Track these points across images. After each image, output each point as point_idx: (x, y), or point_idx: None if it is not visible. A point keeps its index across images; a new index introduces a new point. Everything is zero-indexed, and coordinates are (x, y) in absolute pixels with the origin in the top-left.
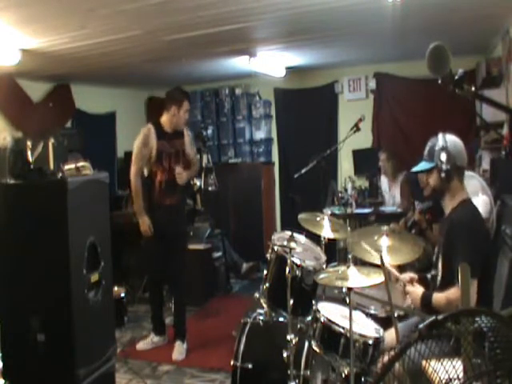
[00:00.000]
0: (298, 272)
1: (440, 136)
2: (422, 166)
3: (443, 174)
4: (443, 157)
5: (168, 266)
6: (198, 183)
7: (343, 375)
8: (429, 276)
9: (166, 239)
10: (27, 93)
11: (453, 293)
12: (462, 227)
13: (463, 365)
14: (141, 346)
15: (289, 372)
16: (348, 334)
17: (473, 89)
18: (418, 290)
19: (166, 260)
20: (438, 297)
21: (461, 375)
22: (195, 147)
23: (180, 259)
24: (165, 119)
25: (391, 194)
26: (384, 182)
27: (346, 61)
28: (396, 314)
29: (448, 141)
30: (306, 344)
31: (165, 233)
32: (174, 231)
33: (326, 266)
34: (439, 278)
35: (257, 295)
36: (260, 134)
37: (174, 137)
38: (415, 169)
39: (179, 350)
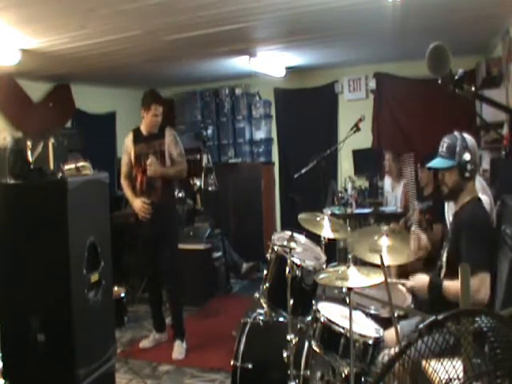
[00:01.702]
0: (298, 272)
1: (457, 134)
2: (441, 162)
3: (467, 174)
4: (467, 156)
5: (159, 266)
6: (198, 183)
7: (343, 375)
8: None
9: (153, 239)
10: (27, 93)
11: (473, 280)
12: (471, 224)
13: (463, 365)
14: (144, 344)
15: (289, 372)
16: (348, 334)
17: (473, 89)
18: (423, 277)
19: (156, 260)
20: (451, 285)
21: (461, 375)
22: (180, 147)
23: (169, 259)
24: (142, 123)
25: (394, 194)
26: (387, 182)
27: (346, 61)
28: (396, 314)
29: (469, 140)
30: (306, 344)
31: (150, 233)
32: (158, 231)
33: (326, 266)
34: (443, 269)
35: (257, 295)
36: (260, 134)
37: (153, 138)
38: (433, 165)
39: (179, 350)
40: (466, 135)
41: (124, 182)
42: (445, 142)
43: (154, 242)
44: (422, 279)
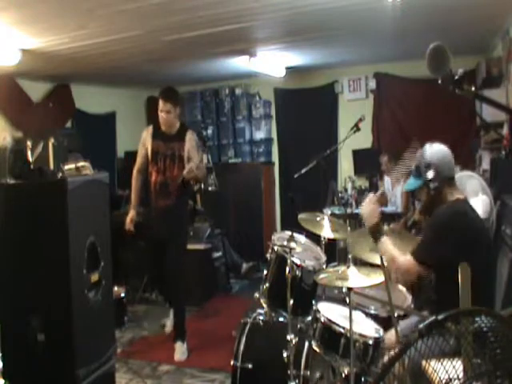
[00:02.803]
0: (298, 272)
1: (426, 149)
2: (412, 183)
3: (432, 192)
4: (430, 174)
5: (165, 267)
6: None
7: (343, 375)
8: None
9: (162, 241)
10: (27, 93)
11: (407, 260)
12: (434, 221)
13: (463, 365)
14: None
15: (289, 372)
16: (348, 334)
17: (473, 89)
18: (376, 213)
19: (162, 260)
20: (393, 252)
21: (461, 375)
22: (200, 152)
23: (176, 261)
24: None
25: (393, 193)
26: (387, 181)
27: (346, 61)
28: (396, 314)
29: (433, 155)
30: (306, 344)
31: (159, 234)
32: (168, 233)
33: (326, 266)
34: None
35: (257, 295)
36: (260, 134)
37: (174, 139)
38: (407, 187)
39: (181, 351)
40: (434, 148)
41: (135, 177)
42: (416, 160)
43: (162, 244)
44: (375, 212)
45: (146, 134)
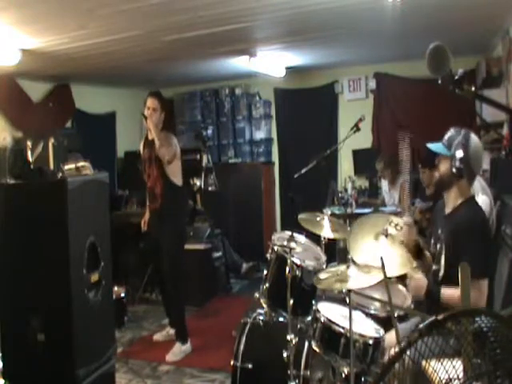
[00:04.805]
0: (298, 272)
1: (464, 131)
2: (439, 148)
3: (454, 170)
4: (460, 153)
5: (161, 271)
6: (198, 183)
7: (343, 375)
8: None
9: (154, 242)
10: (27, 93)
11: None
12: (472, 228)
13: (463, 365)
14: (157, 337)
15: (289, 372)
16: (348, 334)
17: (473, 89)
18: (422, 282)
19: (160, 261)
20: (449, 293)
21: (461, 375)
22: (173, 148)
23: (166, 262)
24: None
25: (391, 194)
26: (384, 183)
27: (345, 61)
28: (396, 314)
29: (471, 140)
30: (306, 344)
31: (151, 235)
32: (156, 235)
33: (326, 266)
34: (441, 273)
35: (257, 295)
36: (260, 134)
37: (152, 142)
38: (433, 147)
39: (173, 351)
40: (472, 136)
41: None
42: (449, 132)
43: (158, 246)
44: (420, 282)
45: (141, 147)
